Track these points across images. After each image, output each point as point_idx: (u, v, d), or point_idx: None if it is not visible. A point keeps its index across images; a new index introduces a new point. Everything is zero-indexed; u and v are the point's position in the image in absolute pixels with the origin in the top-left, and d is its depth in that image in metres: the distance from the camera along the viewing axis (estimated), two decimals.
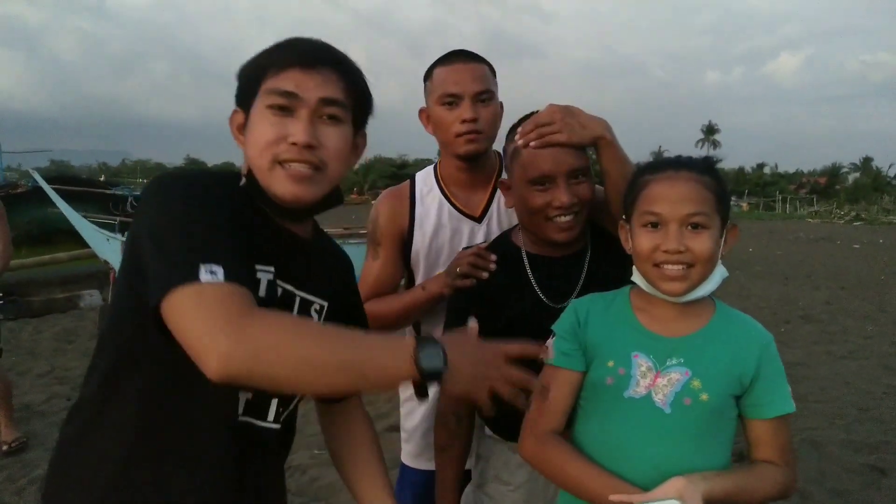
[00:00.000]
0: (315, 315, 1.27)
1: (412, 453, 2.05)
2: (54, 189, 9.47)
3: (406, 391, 2.07)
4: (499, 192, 1.86)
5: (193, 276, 0.91)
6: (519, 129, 1.54)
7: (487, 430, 1.71)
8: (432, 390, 1.02)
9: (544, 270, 1.58)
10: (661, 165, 1.30)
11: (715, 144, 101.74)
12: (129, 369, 1.08)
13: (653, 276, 1.26)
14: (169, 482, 1.08)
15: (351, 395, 1.39)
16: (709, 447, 1.26)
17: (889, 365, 6.14)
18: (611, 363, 1.31)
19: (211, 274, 0.92)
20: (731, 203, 1.37)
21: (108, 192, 15.56)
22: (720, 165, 1.35)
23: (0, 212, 4.06)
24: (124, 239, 8.61)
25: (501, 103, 1.89)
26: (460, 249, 1.75)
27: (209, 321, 0.89)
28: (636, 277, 1.33)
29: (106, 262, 8.54)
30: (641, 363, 1.29)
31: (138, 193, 16.80)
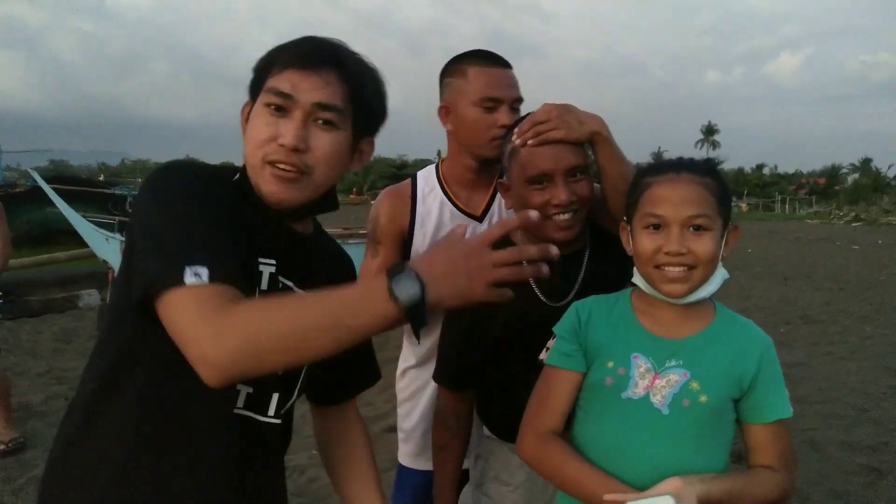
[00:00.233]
0: None
1: (410, 453, 2.05)
2: (53, 189, 9.47)
3: (404, 392, 2.07)
4: (500, 195, 1.86)
5: (179, 280, 0.92)
6: (516, 130, 1.54)
7: (486, 430, 1.71)
8: (427, 326, 0.95)
9: None
10: (663, 167, 1.30)
11: (714, 145, 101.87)
12: (128, 369, 1.08)
13: (654, 278, 1.26)
14: (169, 482, 1.08)
15: (347, 352, 1.35)
16: (707, 449, 1.26)
17: (888, 366, 6.15)
18: (610, 364, 1.31)
19: (195, 276, 0.92)
20: (732, 203, 1.37)
21: (107, 191, 15.55)
22: (719, 166, 1.35)
23: None
24: (123, 239, 8.64)
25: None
26: None
27: (195, 327, 0.91)
28: (637, 279, 1.32)
29: (105, 262, 8.55)
30: (640, 364, 1.29)
31: (137, 193, 16.82)
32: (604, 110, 1.56)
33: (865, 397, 5.24)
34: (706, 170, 1.27)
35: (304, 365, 1.19)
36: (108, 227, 9.36)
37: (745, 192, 66.77)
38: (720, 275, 1.28)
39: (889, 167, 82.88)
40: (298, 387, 1.27)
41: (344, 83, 1.11)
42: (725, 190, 1.28)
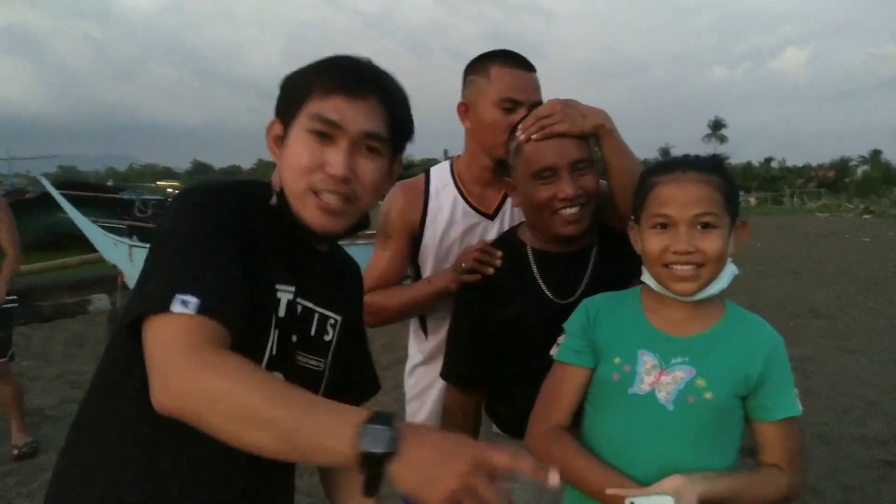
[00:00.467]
0: (331, 330, 1.26)
1: None
2: (62, 194, 9.54)
3: (412, 390, 2.08)
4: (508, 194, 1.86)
5: (164, 306, 0.90)
6: (520, 125, 1.55)
7: (495, 428, 1.71)
8: (377, 489, 0.85)
9: (549, 267, 1.59)
10: (669, 166, 1.30)
11: (722, 140, 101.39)
12: (132, 371, 1.06)
13: (663, 277, 1.27)
14: (169, 483, 1.07)
15: (347, 364, 1.34)
16: (712, 446, 1.26)
17: None
18: (617, 360, 1.32)
19: (182, 304, 0.90)
20: (740, 198, 1.37)
21: (115, 196, 15.66)
22: (727, 161, 1.35)
23: (9, 216, 4.09)
24: (132, 243, 8.69)
25: None
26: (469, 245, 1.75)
27: (164, 357, 0.89)
28: (646, 277, 1.33)
29: (114, 267, 8.61)
30: (647, 360, 1.30)
31: (146, 198, 16.91)
32: (608, 109, 1.57)
33: (876, 391, 5.22)
34: (712, 167, 1.27)
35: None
36: (118, 231, 9.43)
37: (754, 186, 66.47)
38: (729, 271, 1.28)
39: None
40: None
41: (385, 110, 1.11)
42: (732, 186, 1.28)
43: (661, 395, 1.26)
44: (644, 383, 1.28)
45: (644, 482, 1.21)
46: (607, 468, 1.26)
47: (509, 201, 1.91)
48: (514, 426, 1.61)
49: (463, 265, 1.63)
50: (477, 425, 1.69)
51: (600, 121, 1.52)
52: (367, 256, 1.92)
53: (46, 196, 11.08)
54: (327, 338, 1.26)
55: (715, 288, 1.27)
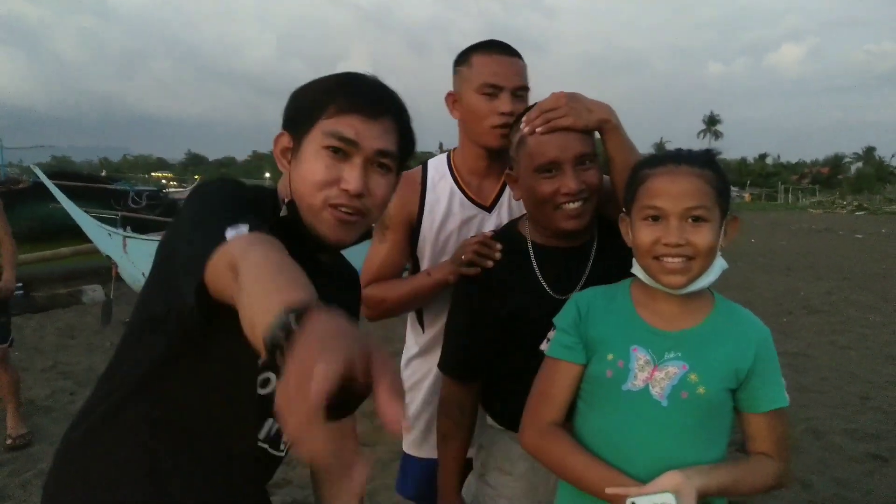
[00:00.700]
0: None
1: (413, 442, 2.06)
2: (56, 185, 9.49)
3: (407, 381, 2.08)
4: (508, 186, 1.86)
5: (221, 240, 0.88)
6: (524, 118, 1.54)
7: (489, 420, 1.72)
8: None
9: (550, 261, 1.58)
10: (661, 159, 1.30)
11: (717, 135, 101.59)
12: (140, 378, 1.11)
13: (653, 269, 1.27)
14: (172, 489, 1.10)
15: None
16: (705, 440, 1.27)
17: (891, 354, 6.15)
18: (610, 356, 1.32)
19: (236, 231, 0.90)
20: (734, 194, 1.38)
21: (109, 187, 15.57)
22: (721, 156, 1.35)
23: None
24: (126, 234, 8.65)
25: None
26: (468, 238, 1.75)
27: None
28: (636, 270, 1.33)
29: (108, 258, 8.57)
30: (640, 356, 1.30)
31: (139, 188, 16.83)
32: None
33: (868, 386, 5.25)
34: (704, 161, 1.28)
35: None
36: (111, 222, 9.38)
37: (749, 182, 66.57)
38: (719, 265, 1.28)
39: (892, 156, 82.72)
40: None
41: (396, 128, 1.16)
42: (724, 181, 1.28)
43: (655, 391, 1.27)
44: (638, 379, 1.29)
45: (640, 478, 1.22)
46: (605, 466, 1.26)
47: (506, 193, 1.90)
48: (510, 419, 1.62)
49: (462, 257, 1.63)
50: (474, 418, 1.69)
51: (605, 115, 1.51)
52: (362, 254, 1.91)
53: (40, 186, 11.01)
54: None
55: (705, 281, 1.27)
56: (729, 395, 1.28)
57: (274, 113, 1.22)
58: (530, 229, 1.62)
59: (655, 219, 1.25)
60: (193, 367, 1.09)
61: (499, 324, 1.57)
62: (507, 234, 1.66)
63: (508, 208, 1.90)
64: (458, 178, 1.92)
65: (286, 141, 1.16)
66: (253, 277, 0.79)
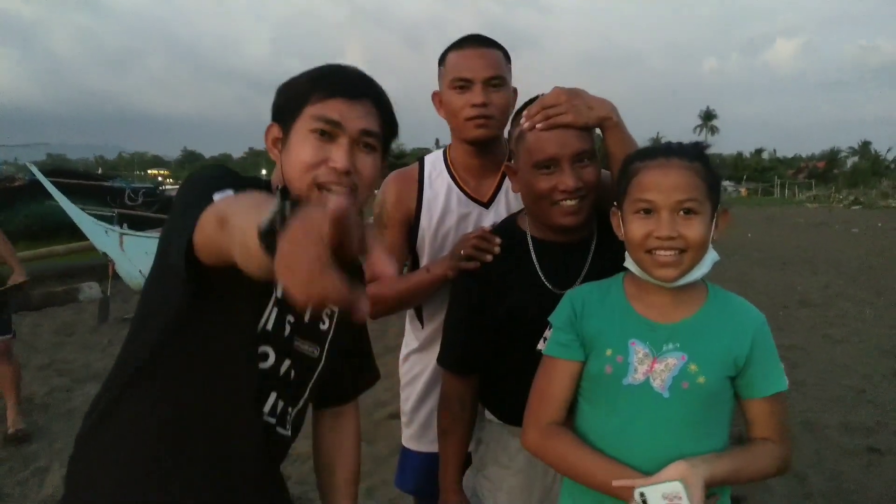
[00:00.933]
0: (326, 320, 1.33)
1: (412, 436, 2.07)
2: (52, 182, 9.46)
3: (406, 376, 2.08)
4: (507, 178, 1.86)
5: (209, 202, 0.92)
6: (525, 113, 1.53)
7: (488, 414, 1.72)
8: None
9: (549, 256, 1.58)
10: (653, 152, 1.31)
11: (713, 130, 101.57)
12: (162, 366, 1.15)
13: (646, 263, 1.28)
14: (190, 473, 1.14)
15: (347, 351, 1.42)
16: (708, 429, 1.28)
17: (886, 349, 6.17)
18: (609, 352, 1.32)
19: (222, 193, 0.97)
20: (731, 189, 1.39)
21: (105, 184, 15.53)
22: (717, 150, 1.37)
23: None
24: (123, 231, 8.62)
25: (515, 89, 1.88)
26: (466, 233, 1.74)
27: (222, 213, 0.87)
28: (629, 263, 1.34)
29: (105, 255, 8.55)
30: (638, 350, 1.30)
31: (136, 186, 16.79)
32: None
33: (863, 380, 5.27)
34: (695, 154, 1.28)
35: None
36: (107, 219, 9.36)
37: (745, 176, 66.60)
38: (710, 257, 1.29)
39: (888, 150, 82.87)
40: (306, 396, 1.34)
41: (379, 111, 1.22)
42: (714, 174, 1.29)
43: (656, 384, 1.27)
44: (638, 373, 1.29)
45: (645, 471, 1.22)
46: (610, 461, 1.27)
47: (503, 189, 1.91)
48: (510, 415, 1.62)
49: (461, 252, 1.63)
50: (474, 412, 1.70)
51: (606, 113, 1.51)
52: None
53: (36, 184, 10.97)
54: (323, 327, 1.33)
55: (697, 274, 1.27)
56: (728, 383, 1.29)
57: (270, 110, 1.27)
58: (529, 224, 1.62)
59: (647, 212, 1.26)
60: (191, 347, 1.14)
61: (498, 318, 1.58)
62: (506, 228, 1.66)
63: (506, 204, 1.90)
64: (456, 175, 1.92)
65: (276, 132, 1.22)
66: (242, 209, 0.83)
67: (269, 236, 0.70)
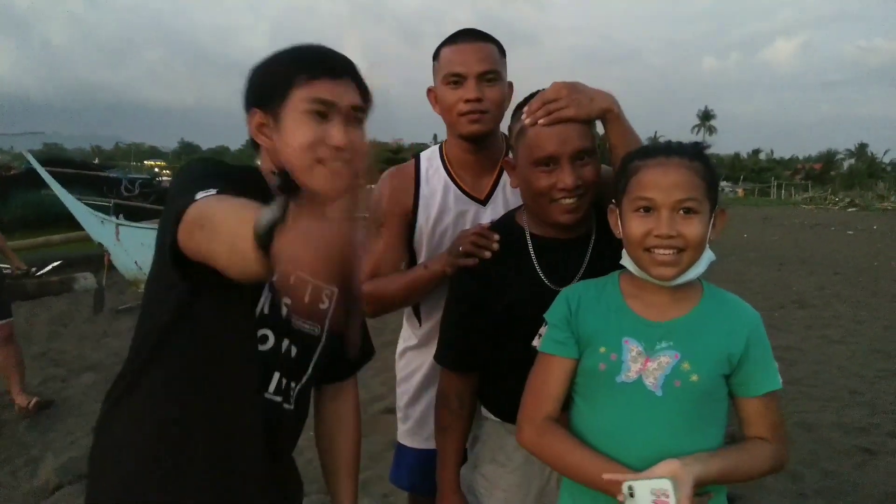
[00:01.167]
0: (326, 300, 1.38)
1: (407, 432, 2.06)
2: (48, 171, 9.41)
3: (402, 372, 2.08)
4: (505, 175, 1.83)
5: (191, 200, 0.98)
6: (525, 109, 1.52)
7: (485, 411, 1.71)
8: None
9: (548, 253, 1.57)
10: (652, 151, 1.31)
11: (711, 130, 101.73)
12: (169, 344, 1.20)
13: (644, 261, 1.28)
14: (198, 448, 1.19)
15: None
16: (701, 427, 1.28)
17: (881, 349, 6.19)
18: (603, 349, 1.32)
19: (205, 192, 1.00)
20: (728, 189, 1.38)
21: (102, 174, 15.49)
22: (715, 150, 1.36)
23: None
24: (119, 222, 8.59)
25: (511, 84, 1.86)
26: (465, 229, 1.73)
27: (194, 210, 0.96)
28: (625, 261, 1.34)
29: (100, 245, 8.53)
30: (632, 348, 1.30)
31: (132, 176, 16.74)
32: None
33: (858, 380, 5.28)
34: (695, 154, 1.28)
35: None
36: (104, 210, 9.33)
37: (742, 177, 66.68)
38: (707, 257, 1.29)
39: (885, 153, 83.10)
40: (309, 373, 1.37)
41: (359, 86, 1.26)
42: (713, 174, 1.29)
43: (649, 382, 1.27)
44: (631, 371, 1.29)
45: (638, 469, 1.22)
46: (602, 457, 1.27)
47: (500, 186, 1.90)
48: (507, 411, 1.61)
49: (460, 249, 1.62)
50: (472, 409, 1.69)
51: (608, 105, 1.50)
52: None
53: (32, 172, 10.93)
54: (322, 306, 1.37)
55: (693, 273, 1.28)
56: (723, 381, 1.29)
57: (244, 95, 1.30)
58: (528, 220, 1.61)
59: (647, 210, 1.26)
60: (194, 335, 1.19)
61: (496, 315, 1.57)
62: (504, 225, 1.65)
63: (503, 201, 1.88)
64: (451, 171, 1.91)
65: (261, 118, 1.24)
66: (222, 211, 0.90)
67: (268, 232, 0.77)
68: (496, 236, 1.60)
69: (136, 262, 8.16)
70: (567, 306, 1.39)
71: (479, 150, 1.86)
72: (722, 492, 1.33)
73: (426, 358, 1.93)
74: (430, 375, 1.93)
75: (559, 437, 1.33)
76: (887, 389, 5.06)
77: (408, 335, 2.07)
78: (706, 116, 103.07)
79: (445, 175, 1.91)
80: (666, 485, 1.15)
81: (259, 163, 1.31)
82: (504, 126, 1.81)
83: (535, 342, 1.42)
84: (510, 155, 1.63)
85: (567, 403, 1.39)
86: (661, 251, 1.24)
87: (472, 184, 1.90)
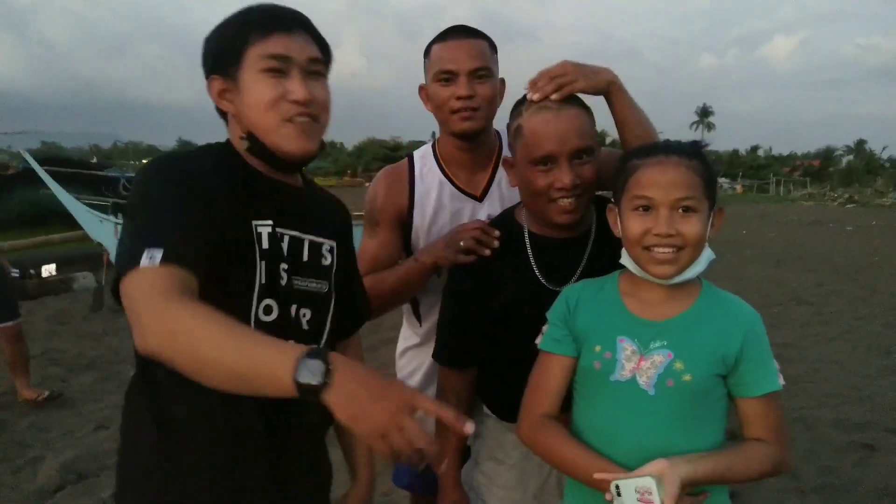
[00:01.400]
0: (328, 255, 1.37)
1: None
2: (46, 170, 9.41)
3: (402, 371, 2.08)
4: (500, 171, 1.83)
5: (136, 263, 1.02)
6: (528, 84, 1.51)
7: (485, 409, 1.72)
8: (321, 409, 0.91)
9: (546, 252, 1.56)
10: (651, 150, 1.31)
11: (709, 127, 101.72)
12: (151, 370, 1.19)
13: (643, 260, 1.28)
14: (188, 483, 1.17)
15: (346, 289, 1.47)
16: (695, 427, 1.28)
17: (880, 346, 6.21)
18: (598, 348, 1.33)
19: (150, 259, 1.01)
20: (726, 186, 1.38)
21: (100, 173, 15.46)
22: (713, 147, 1.36)
23: None
24: (118, 221, 8.59)
25: (503, 80, 1.85)
26: (462, 223, 1.72)
27: (139, 303, 1.00)
28: (625, 260, 1.34)
29: (99, 244, 8.52)
30: (626, 347, 1.31)
31: (131, 175, 16.70)
32: (598, 96, 1.53)
33: (857, 377, 5.30)
34: (693, 153, 1.29)
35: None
36: (102, 209, 9.33)
37: (740, 174, 66.68)
38: (706, 255, 1.29)
39: (883, 149, 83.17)
40: (326, 335, 1.38)
41: (314, 38, 1.25)
42: (711, 173, 1.29)
43: (642, 381, 1.28)
44: (625, 370, 1.29)
45: (629, 467, 1.23)
46: (595, 455, 1.28)
47: (496, 183, 1.89)
48: (505, 410, 1.62)
49: (461, 244, 1.61)
50: (470, 406, 1.70)
51: (612, 78, 1.53)
52: (358, 238, 1.90)
53: (29, 171, 10.93)
54: (325, 262, 1.37)
55: (692, 272, 1.28)
56: (719, 381, 1.29)
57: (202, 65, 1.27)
58: (527, 218, 1.60)
59: (646, 209, 1.26)
60: None
61: (492, 314, 1.57)
62: (503, 222, 1.64)
63: (500, 197, 1.88)
64: (446, 169, 1.90)
65: (220, 84, 1.23)
66: (209, 337, 0.95)
67: (309, 390, 0.89)
68: (497, 233, 1.59)
69: None
70: (566, 304, 1.40)
71: (473, 147, 1.85)
72: (723, 492, 1.33)
73: (426, 357, 1.92)
74: (431, 374, 1.92)
75: (554, 434, 1.34)
76: (886, 386, 5.07)
77: (408, 334, 2.07)
78: (705, 113, 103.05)
79: (440, 173, 1.90)
80: (649, 483, 1.15)
81: (228, 132, 1.30)
82: (500, 124, 1.81)
83: (538, 340, 1.43)
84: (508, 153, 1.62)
85: (569, 402, 1.40)
86: (660, 249, 1.24)
87: (467, 181, 1.89)
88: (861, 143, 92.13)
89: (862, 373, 5.40)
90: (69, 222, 9.66)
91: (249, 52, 1.18)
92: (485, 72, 1.76)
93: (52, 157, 16.02)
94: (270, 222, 1.22)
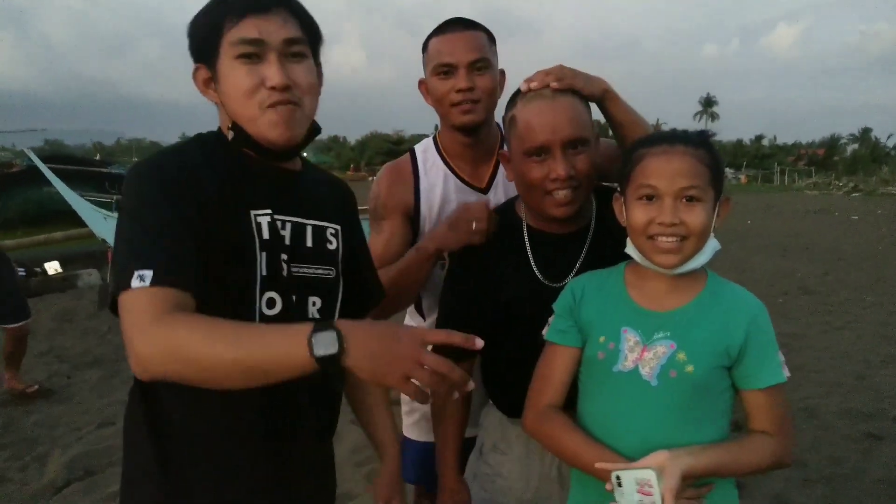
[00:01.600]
0: (333, 239, 1.33)
1: (413, 426, 2.06)
2: (50, 168, 9.43)
3: None
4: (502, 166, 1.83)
5: (126, 285, 1.00)
6: (528, 83, 1.48)
7: (491, 401, 1.71)
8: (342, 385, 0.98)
9: (544, 247, 1.55)
10: (657, 139, 1.29)
11: (713, 117, 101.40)
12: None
13: (647, 249, 1.27)
14: (189, 485, 1.16)
15: (357, 272, 1.44)
16: (698, 419, 1.27)
17: (886, 335, 6.19)
18: (602, 339, 1.33)
19: (140, 280, 1.00)
20: (731, 176, 1.37)
21: (103, 170, 15.51)
22: (718, 137, 1.34)
23: None
24: None
25: (503, 71, 1.84)
26: (464, 203, 1.70)
27: (131, 328, 0.99)
28: (630, 250, 1.33)
29: (104, 241, 8.54)
30: (630, 338, 1.30)
31: None
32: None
33: (863, 366, 5.28)
34: (699, 142, 1.27)
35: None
36: (106, 206, 9.35)
37: (745, 163, 66.51)
38: (711, 246, 1.28)
39: (888, 137, 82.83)
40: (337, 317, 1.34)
41: (295, 16, 1.18)
42: (718, 162, 1.28)
43: (645, 371, 1.27)
44: (628, 360, 1.29)
45: (631, 457, 1.23)
46: (598, 445, 1.27)
47: (500, 173, 1.88)
48: (507, 405, 1.62)
49: (475, 226, 1.57)
50: (469, 397, 1.69)
51: (605, 85, 1.52)
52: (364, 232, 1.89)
53: (33, 169, 10.95)
54: (331, 247, 1.33)
55: (697, 262, 1.27)
56: (723, 372, 1.27)
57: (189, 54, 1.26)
58: (526, 212, 1.59)
59: (650, 198, 1.25)
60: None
61: (490, 310, 1.56)
62: (504, 213, 1.63)
63: (504, 188, 1.87)
64: (450, 161, 1.89)
65: (204, 72, 1.19)
66: (211, 344, 0.95)
67: (329, 360, 0.92)
68: (495, 216, 1.59)
69: None
70: (572, 295, 1.39)
71: (475, 139, 1.84)
72: (729, 483, 1.32)
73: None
74: None
75: (558, 424, 1.34)
76: (893, 375, 5.05)
77: None
78: (708, 103, 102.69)
79: (444, 166, 1.89)
80: (650, 475, 1.15)
81: (219, 121, 1.25)
82: (499, 115, 1.79)
83: (544, 331, 1.42)
84: (505, 147, 1.61)
85: (575, 392, 1.40)
86: (664, 239, 1.23)
87: (471, 173, 1.89)
88: (866, 131, 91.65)
89: (868, 361, 5.39)
90: (72, 220, 9.68)
91: (225, 37, 1.13)
92: (483, 63, 1.75)
93: (56, 155, 16.09)
94: (269, 211, 1.19)
